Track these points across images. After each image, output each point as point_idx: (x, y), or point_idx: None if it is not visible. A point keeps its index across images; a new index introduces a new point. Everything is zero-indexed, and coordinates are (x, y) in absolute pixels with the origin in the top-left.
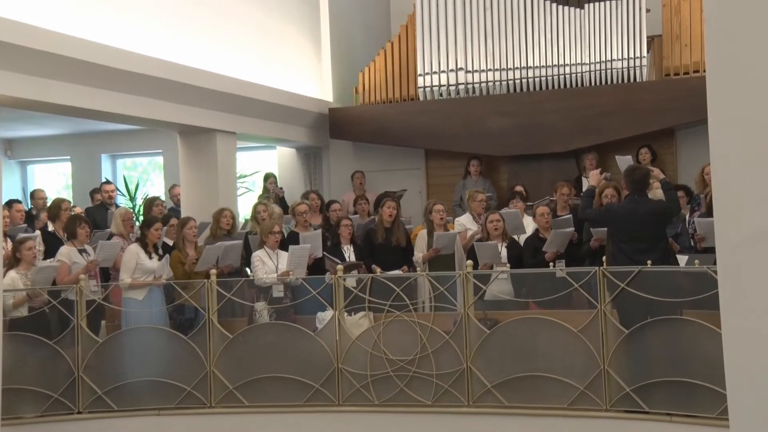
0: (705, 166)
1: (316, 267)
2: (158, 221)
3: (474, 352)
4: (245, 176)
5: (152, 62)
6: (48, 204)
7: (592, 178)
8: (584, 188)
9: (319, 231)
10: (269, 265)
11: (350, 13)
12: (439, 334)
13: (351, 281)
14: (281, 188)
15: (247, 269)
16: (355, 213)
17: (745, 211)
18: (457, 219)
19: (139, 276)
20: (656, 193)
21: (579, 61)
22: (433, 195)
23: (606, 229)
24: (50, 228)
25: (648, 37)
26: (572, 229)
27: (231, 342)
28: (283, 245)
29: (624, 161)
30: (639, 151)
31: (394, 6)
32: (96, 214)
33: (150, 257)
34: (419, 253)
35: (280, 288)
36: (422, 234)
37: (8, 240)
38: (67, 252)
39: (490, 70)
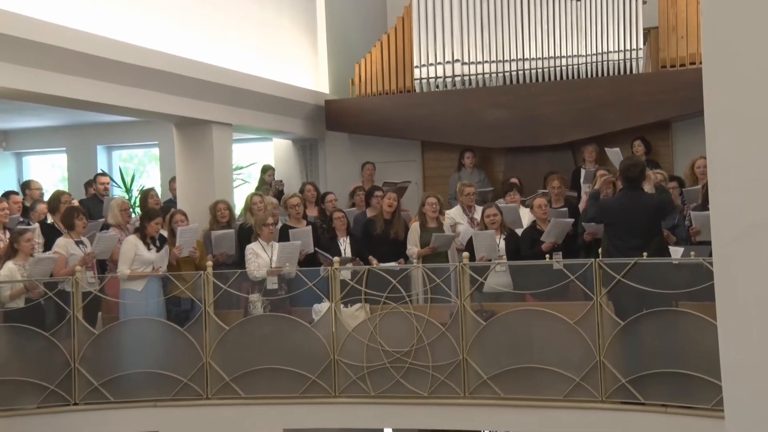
0: (695, 160)
1: (310, 262)
2: (160, 215)
3: (470, 344)
4: (241, 168)
5: (148, 54)
6: (45, 195)
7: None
8: (582, 179)
9: (310, 227)
10: (263, 258)
11: (346, 5)
12: (435, 325)
13: (347, 273)
14: (281, 181)
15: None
16: (353, 205)
17: (742, 203)
18: (447, 212)
19: (137, 267)
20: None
21: (575, 53)
22: (429, 187)
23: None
24: (49, 220)
25: (644, 29)
26: (572, 220)
27: (227, 334)
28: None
29: (613, 153)
30: (632, 143)
31: None
32: (90, 205)
33: (148, 248)
34: (413, 247)
35: (274, 280)
36: (415, 226)
37: (6, 232)
38: (64, 244)
39: (486, 61)
